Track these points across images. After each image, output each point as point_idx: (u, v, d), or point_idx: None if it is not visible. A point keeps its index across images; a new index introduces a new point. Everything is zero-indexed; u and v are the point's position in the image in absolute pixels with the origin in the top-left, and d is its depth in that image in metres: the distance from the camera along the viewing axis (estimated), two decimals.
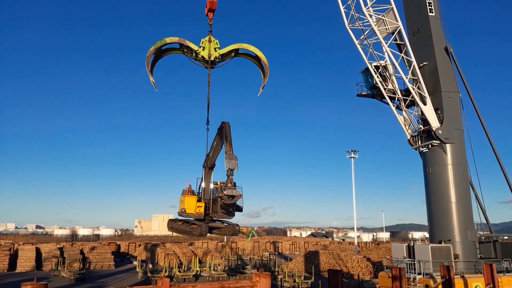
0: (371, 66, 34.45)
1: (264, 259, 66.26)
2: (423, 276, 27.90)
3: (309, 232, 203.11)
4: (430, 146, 33.54)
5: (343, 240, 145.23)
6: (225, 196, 23.14)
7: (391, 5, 33.19)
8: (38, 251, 62.54)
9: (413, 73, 33.99)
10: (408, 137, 35.70)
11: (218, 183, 24.77)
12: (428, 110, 33.31)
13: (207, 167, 26.46)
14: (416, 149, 35.28)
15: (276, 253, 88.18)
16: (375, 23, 33.05)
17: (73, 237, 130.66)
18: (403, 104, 34.96)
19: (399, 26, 33.55)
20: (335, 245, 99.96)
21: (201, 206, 24.96)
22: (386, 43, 33.29)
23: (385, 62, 34.14)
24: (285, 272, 45.23)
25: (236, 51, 27.46)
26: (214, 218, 25.65)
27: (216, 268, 53.88)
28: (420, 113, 34.08)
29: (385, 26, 33.78)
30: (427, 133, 33.72)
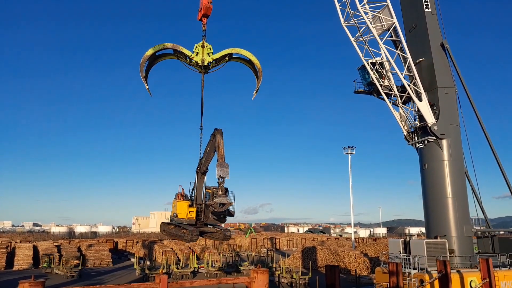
0: (367, 63, 34.54)
1: (262, 255, 66.54)
2: (418, 271, 28.11)
3: (306, 228, 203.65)
4: (426, 142, 33.69)
5: (340, 235, 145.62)
6: (216, 204, 23.80)
7: (386, 2, 33.24)
8: (35, 249, 62.48)
9: (409, 70, 34.10)
10: (405, 133, 35.84)
11: (211, 188, 24.94)
12: (424, 106, 33.44)
13: (200, 172, 26.60)
14: (412, 145, 35.42)
15: (273, 249, 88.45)
16: (371, 20, 33.11)
17: (71, 234, 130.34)
18: (399, 101, 35.08)
19: (394, 22, 33.61)
20: (332, 241, 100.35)
21: (192, 211, 25.17)
22: (382, 39, 33.37)
23: (381, 58, 34.23)
24: (282, 268, 45.42)
25: (230, 55, 27.60)
26: (206, 223, 25.81)
27: (214, 265, 54.02)
28: (416, 109, 34.22)
29: (381, 23, 33.83)
30: (423, 129, 33.86)
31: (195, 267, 52.51)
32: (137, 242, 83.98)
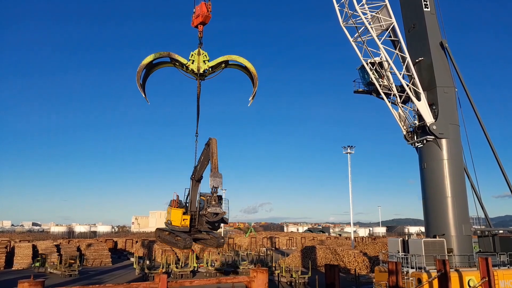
0: (366, 63, 34.59)
1: (261, 254, 66.60)
2: (416, 270, 28.18)
3: (305, 228, 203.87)
4: (425, 141, 33.74)
5: (340, 235, 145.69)
6: (209, 214, 24.09)
7: (385, 2, 33.30)
8: (34, 249, 62.48)
9: (407, 69, 34.14)
10: (404, 133, 35.90)
11: (205, 196, 25.10)
12: (422, 106, 33.49)
13: (195, 180, 26.76)
14: (412, 145, 35.48)
15: (273, 248, 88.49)
16: (370, 20, 33.17)
17: (70, 234, 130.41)
18: (399, 100, 35.12)
19: (393, 22, 33.66)
20: (331, 240, 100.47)
21: (186, 219, 25.31)
22: (380, 39, 33.43)
23: (380, 58, 34.28)
24: (282, 267, 45.48)
25: (226, 62, 27.67)
26: (200, 230, 25.99)
27: (213, 264, 54.10)
28: (415, 109, 34.27)
29: (380, 23, 33.88)
30: (422, 129, 33.91)
31: (194, 267, 52.58)
32: (137, 242, 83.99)
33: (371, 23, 33.41)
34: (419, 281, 27.26)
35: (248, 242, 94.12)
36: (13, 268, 56.97)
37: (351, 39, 34.27)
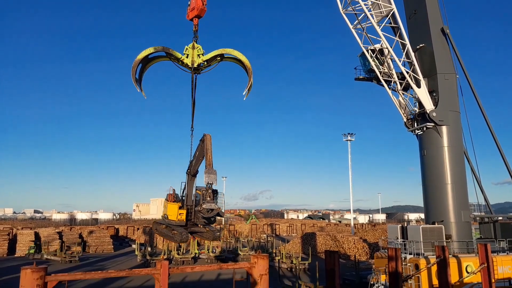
0: (366, 50, 34.40)
1: (262, 241, 67.07)
2: (414, 256, 28.43)
3: (306, 214, 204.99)
4: (425, 128, 33.72)
5: (340, 222, 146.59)
6: (204, 210, 24.36)
7: None
8: (36, 236, 63.01)
9: (408, 56, 33.96)
10: (404, 120, 35.86)
11: (201, 189, 25.32)
12: (422, 93, 33.40)
13: (190, 174, 26.92)
14: (412, 132, 35.47)
15: (273, 235, 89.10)
16: (370, 7, 32.90)
17: (72, 221, 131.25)
18: (399, 87, 35.01)
19: (393, 9, 33.38)
20: (331, 227, 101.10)
21: (182, 213, 25.53)
22: (380, 26, 33.18)
23: (380, 45, 34.08)
24: (282, 253, 45.91)
25: (221, 55, 27.56)
26: (196, 223, 26.27)
27: (214, 251, 54.57)
28: (416, 96, 34.17)
29: (380, 9, 33.60)
30: (422, 116, 33.86)
31: (196, 253, 53.04)
32: (138, 229, 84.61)
33: (371, 9, 33.12)
34: (417, 267, 27.51)
35: (248, 229, 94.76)
36: (15, 255, 57.54)
37: (351, 26, 34.03)
